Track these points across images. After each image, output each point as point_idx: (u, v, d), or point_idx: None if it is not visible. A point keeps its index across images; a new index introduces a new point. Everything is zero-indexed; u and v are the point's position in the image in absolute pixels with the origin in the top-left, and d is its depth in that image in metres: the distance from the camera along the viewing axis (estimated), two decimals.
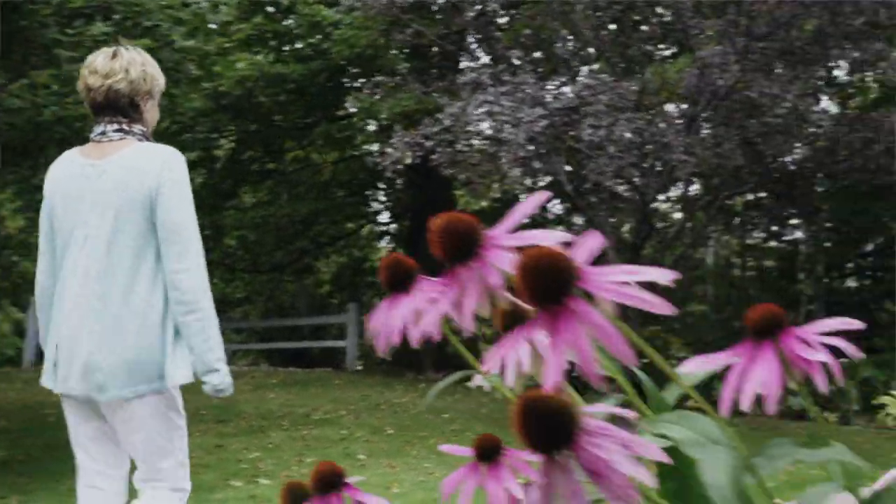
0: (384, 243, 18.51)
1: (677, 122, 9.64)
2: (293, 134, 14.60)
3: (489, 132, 9.58)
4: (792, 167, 10.25)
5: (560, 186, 9.71)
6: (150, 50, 3.16)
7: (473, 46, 12.56)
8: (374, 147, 14.25)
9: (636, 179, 9.58)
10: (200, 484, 5.12)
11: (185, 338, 2.37)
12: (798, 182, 10.83)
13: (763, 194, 12.02)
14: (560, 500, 0.54)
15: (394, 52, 12.48)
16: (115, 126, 2.45)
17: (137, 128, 2.48)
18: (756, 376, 0.66)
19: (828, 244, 18.21)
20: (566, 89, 9.60)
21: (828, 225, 17.19)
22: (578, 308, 0.54)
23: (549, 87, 9.49)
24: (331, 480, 0.80)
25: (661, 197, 11.62)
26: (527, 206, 0.63)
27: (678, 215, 12.14)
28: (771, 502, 0.64)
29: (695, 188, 11.74)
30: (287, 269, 16.96)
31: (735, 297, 17.02)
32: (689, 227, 11.18)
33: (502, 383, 0.65)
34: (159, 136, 2.99)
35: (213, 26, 9.44)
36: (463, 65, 12.10)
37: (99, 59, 2.48)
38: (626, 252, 10.37)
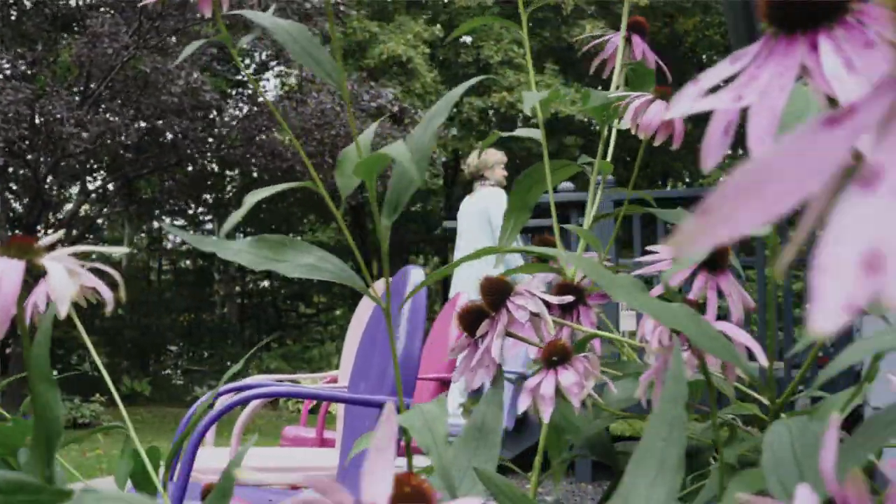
0: None
1: (72, 96, 8.24)
2: None
3: None
4: (190, 151, 9.41)
5: None
6: None
7: None
8: None
9: (28, 154, 8.34)
10: None
11: None
12: (199, 168, 9.85)
13: (169, 181, 10.26)
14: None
15: None
16: (480, 182, 5.31)
17: (487, 183, 5.28)
18: None
19: None
20: None
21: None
22: None
23: None
24: None
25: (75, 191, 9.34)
26: None
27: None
28: None
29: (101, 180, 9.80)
30: None
31: (153, 300, 16.17)
32: (87, 212, 9.19)
33: None
34: None
35: None
36: None
37: (473, 156, 5.44)
38: (22, 232, 8.00)
